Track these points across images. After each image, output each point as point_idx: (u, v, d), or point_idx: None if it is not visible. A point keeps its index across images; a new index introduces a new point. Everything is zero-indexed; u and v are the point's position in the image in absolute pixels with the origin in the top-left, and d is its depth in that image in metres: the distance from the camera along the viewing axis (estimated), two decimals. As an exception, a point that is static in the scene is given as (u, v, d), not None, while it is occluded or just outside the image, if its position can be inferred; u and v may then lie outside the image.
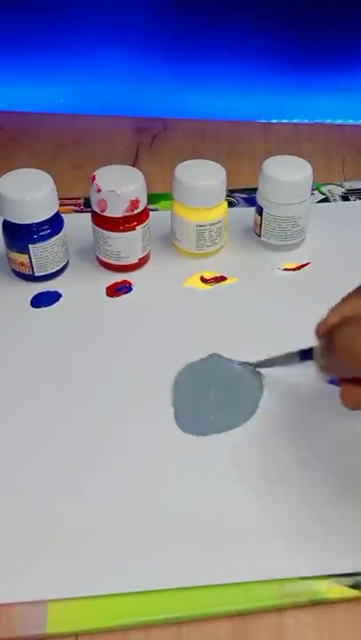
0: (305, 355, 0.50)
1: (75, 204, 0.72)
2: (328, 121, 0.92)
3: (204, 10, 0.86)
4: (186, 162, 0.63)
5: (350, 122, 0.92)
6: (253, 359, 0.55)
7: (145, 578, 0.42)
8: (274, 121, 0.92)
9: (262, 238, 0.66)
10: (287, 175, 0.62)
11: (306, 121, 0.92)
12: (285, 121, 0.92)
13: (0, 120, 0.91)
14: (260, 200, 0.64)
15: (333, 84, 0.90)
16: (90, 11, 0.87)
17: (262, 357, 0.54)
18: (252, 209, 0.66)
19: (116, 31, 0.88)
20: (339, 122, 0.92)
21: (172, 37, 0.89)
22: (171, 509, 0.45)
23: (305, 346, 0.50)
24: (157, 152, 0.85)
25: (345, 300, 0.46)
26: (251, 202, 0.70)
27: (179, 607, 0.41)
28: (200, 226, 0.62)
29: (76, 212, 0.71)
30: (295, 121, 0.92)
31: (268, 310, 0.60)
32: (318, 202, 0.74)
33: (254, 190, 0.65)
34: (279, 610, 0.41)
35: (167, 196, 0.67)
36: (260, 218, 0.65)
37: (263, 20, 0.86)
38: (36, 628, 0.40)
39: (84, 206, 0.72)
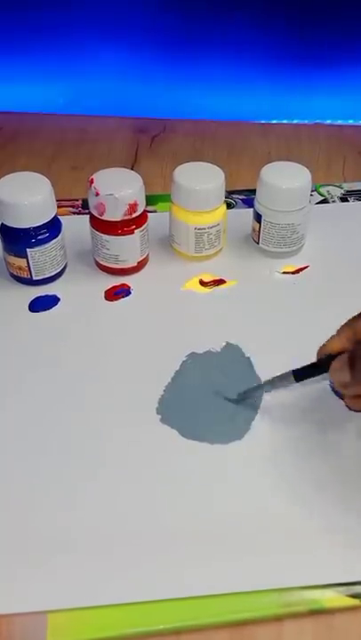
0: (301, 374, 0.49)
1: (73, 206, 0.72)
2: (328, 121, 0.91)
3: (204, 10, 0.86)
4: (184, 164, 0.63)
5: (350, 122, 0.91)
6: (254, 360, 0.55)
7: (144, 588, 0.41)
8: (274, 121, 0.92)
9: (261, 245, 0.65)
10: (286, 182, 0.61)
11: (306, 121, 0.91)
12: (285, 121, 0.92)
13: (0, 120, 0.91)
14: (258, 207, 0.64)
15: (333, 84, 0.89)
16: (90, 11, 0.86)
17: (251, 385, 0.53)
18: (251, 210, 0.66)
19: (115, 32, 0.88)
20: (339, 122, 0.91)
21: (171, 38, 0.88)
22: (170, 519, 0.45)
23: (296, 366, 0.49)
24: (157, 153, 0.85)
25: (348, 324, 0.47)
26: (249, 203, 0.70)
27: (178, 617, 0.40)
28: (199, 229, 0.62)
29: (75, 213, 0.71)
30: (295, 121, 0.92)
31: (267, 313, 0.60)
32: (317, 203, 0.73)
33: (254, 192, 0.64)
34: (279, 619, 0.41)
35: (166, 198, 0.66)
36: (258, 225, 0.64)
37: (263, 20, 0.86)
38: (37, 639, 0.40)
39: (83, 208, 0.71)
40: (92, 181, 0.59)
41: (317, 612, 0.41)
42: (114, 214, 0.59)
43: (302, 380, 0.50)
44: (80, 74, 0.91)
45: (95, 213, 0.60)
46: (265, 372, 0.54)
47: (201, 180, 0.61)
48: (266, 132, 0.89)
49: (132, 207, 0.59)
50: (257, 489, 0.47)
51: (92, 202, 0.59)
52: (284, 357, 0.51)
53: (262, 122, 0.92)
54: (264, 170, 0.62)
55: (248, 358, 0.56)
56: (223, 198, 0.62)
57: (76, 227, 0.65)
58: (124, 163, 0.82)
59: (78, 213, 0.71)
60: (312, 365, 0.49)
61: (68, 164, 0.82)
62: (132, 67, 0.91)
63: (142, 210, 0.60)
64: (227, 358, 0.56)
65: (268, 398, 0.53)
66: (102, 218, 0.59)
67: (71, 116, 0.92)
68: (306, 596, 0.41)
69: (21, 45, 0.89)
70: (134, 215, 0.60)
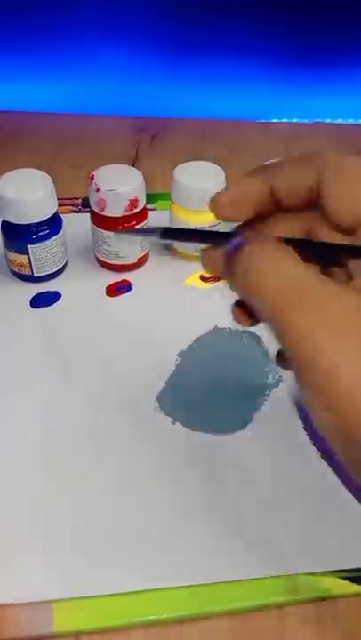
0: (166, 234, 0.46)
1: (73, 205, 0.72)
2: (328, 120, 0.92)
3: (204, 9, 0.86)
4: (184, 163, 0.63)
5: (350, 121, 0.92)
6: (251, 354, 0.56)
7: (151, 576, 0.42)
8: (274, 121, 0.92)
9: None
10: None
11: (306, 121, 0.92)
12: (285, 121, 0.92)
13: (0, 119, 0.91)
14: None
15: (333, 84, 0.90)
16: (90, 10, 0.86)
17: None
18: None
19: (115, 31, 0.88)
20: (339, 121, 0.92)
21: (171, 37, 0.89)
22: (176, 507, 0.45)
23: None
24: (157, 152, 0.85)
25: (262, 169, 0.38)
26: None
27: (185, 605, 0.41)
28: (199, 227, 0.62)
29: (75, 212, 0.71)
30: (295, 121, 0.92)
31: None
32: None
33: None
34: (280, 607, 0.41)
35: (166, 196, 0.66)
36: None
37: (263, 19, 0.86)
38: (43, 627, 0.40)
39: (83, 206, 0.72)
40: (92, 177, 0.59)
41: (324, 599, 0.42)
42: (115, 210, 0.59)
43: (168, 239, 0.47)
44: (80, 73, 0.91)
45: (96, 209, 0.60)
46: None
47: (201, 179, 0.61)
48: (266, 131, 0.90)
49: (133, 203, 0.59)
50: (263, 477, 0.47)
51: (92, 198, 0.60)
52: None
53: (262, 121, 0.92)
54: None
55: (253, 333, 0.58)
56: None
57: (76, 225, 0.65)
58: (125, 161, 0.81)
59: (79, 212, 0.71)
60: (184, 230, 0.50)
61: (69, 162, 0.82)
62: (132, 66, 0.91)
63: (143, 206, 0.61)
64: (232, 344, 0.57)
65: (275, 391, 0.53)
66: (103, 214, 0.60)
67: (71, 115, 0.92)
68: (312, 583, 0.42)
69: (21, 45, 0.89)
70: (135, 211, 0.60)
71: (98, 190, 0.58)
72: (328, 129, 0.90)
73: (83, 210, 0.71)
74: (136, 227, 0.59)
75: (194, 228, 0.50)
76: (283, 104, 0.92)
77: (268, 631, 0.40)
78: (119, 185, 0.58)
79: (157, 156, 0.84)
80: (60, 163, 0.82)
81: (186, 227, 0.62)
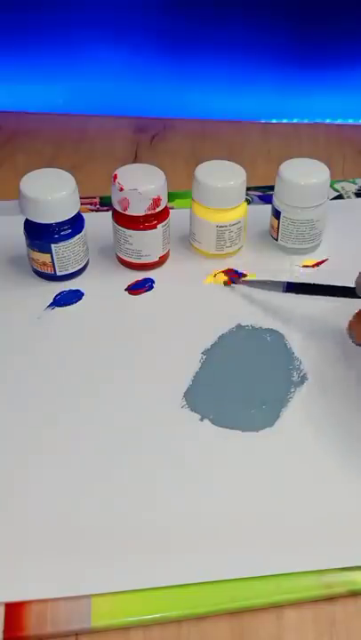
0: (291, 287, 0.58)
1: (91, 204, 0.72)
2: (328, 121, 0.93)
3: (204, 10, 0.86)
4: (206, 162, 0.63)
5: (350, 122, 0.92)
6: (275, 352, 0.56)
7: (186, 571, 0.42)
8: (274, 121, 0.93)
9: (280, 242, 0.66)
10: (306, 178, 0.62)
11: (306, 121, 0.93)
12: (285, 121, 0.93)
13: (-1, 120, 0.91)
14: (277, 204, 0.64)
15: (334, 84, 0.90)
16: (89, 10, 0.86)
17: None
18: (265, 206, 0.67)
19: (115, 31, 0.88)
20: (339, 122, 0.93)
21: (171, 37, 0.89)
22: (203, 504, 0.46)
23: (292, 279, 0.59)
24: (157, 152, 0.85)
25: None
26: (267, 200, 0.71)
27: (211, 600, 0.41)
28: (220, 226, 0.63)
29: (92, 210, 0.71)
30: (295, 121, 0.93)
31: (289, 306, 0.61)
32: (332, 199, 0.74)
33: (271, 188, 0.65)
34: (279, 607, 0.41)
35: (181, 195, 0.67)
36: (277, 221, 0.65)
37: (263, 20, 0.87)
38: (81, 622, 0.40)
39: (101, 205, 0.72)
40: (115, 177, 0.59)
41: (357, 594, 0.42)
42: (137, 209, 0.59)
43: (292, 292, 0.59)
44: (80, 73, 0.91)
45: (119, 208, 0.60)
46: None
47: (222, 178, 0.61)
48: (266, 131, 0.90)
49: (156, 202, 0.59)
50: (294, 470, 0.48)
51: (115, 197, 0.60)
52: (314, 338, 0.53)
53: (262, 121, 0.93)
54: (283, 166, 0.63)
55: (277, 331, 0.58)
56: (245, 196, 0.63)
57: (95, 224, 0.65)
58: (124, 162, 0.81)
59: (97, 210, 0.71)
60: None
61: (68, 163, 0.81)
62: (131, 66, 0.91)
63: (165, 205, 0.61)
64: (255, 342, 0.58)
65: (300, 389, 0.54)
66: (126, 213, 0.60)
67: (71, 115, 0.92)
68: (346, 578, 0.42)
69: (21, 45, 0.89)
70: (157, 210, 0.60)
71: (121, 190, 0.59)
72: (328, 129, 0.91)
73: (101, 209, 0.71)
74: (258, 279, 0.63)
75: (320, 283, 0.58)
76: (283, 104, 0.92)
77: (266, 632, 0.41)
78: (142, 184, 0.59)
79: (157, 156, 0.84)
80: (60, 163, 0.81)
81: (208, 225, 0.63)
